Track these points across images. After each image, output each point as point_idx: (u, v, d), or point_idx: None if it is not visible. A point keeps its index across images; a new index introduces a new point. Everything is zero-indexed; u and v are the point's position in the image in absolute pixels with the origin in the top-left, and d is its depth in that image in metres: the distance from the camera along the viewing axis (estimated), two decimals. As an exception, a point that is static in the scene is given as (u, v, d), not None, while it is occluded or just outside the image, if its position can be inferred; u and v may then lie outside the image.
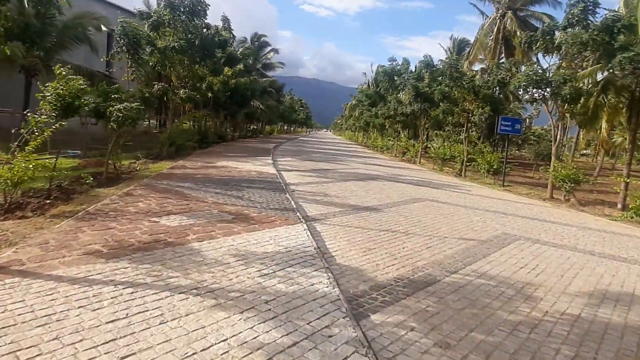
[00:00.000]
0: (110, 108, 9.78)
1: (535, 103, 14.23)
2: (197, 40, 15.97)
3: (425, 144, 32.47)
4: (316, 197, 10.23)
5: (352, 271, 5.04)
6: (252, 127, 50.92)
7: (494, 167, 17.80)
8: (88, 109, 7.60)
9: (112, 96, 10.12)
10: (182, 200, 7.90)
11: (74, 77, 7.56)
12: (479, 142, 21.83)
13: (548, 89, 13.54)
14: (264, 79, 45.95)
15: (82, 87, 7.57)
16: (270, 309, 3.56)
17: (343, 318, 3.50)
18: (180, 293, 3.71)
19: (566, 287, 5.22)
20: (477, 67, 38.26)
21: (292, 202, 8.65)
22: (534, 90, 13.91)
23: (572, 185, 13.36)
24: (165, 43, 15.14)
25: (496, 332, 3.78)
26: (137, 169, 12.90)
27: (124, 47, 13.17)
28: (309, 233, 6.27)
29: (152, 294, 3.65)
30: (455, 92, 20.17)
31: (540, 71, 13.97)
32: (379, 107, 34.77)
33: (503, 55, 33.02)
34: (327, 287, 4.20)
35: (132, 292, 3.63)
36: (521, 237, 7.86)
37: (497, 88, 18.80)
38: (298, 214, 7.62)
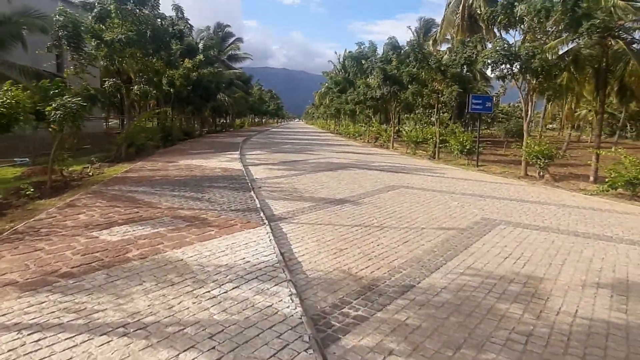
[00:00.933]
0: (48, 107, 8.77)
1: (504, 79, 13.85)
2: (149, 31, 14.84)
3: (397, 127, 32.14)
4: (284, 192, 9.54)
5: (320, 280, 4.41)
6: (220, 121, 49.50)
7: (467, 148, 17.50)
8: (22, 117, 6.62)
9: (52, 93, 9.08)
10: (132, 207, 7.07)
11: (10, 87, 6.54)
12: (450, 122, 21.51)
13: (517, 64, 13.18)
14: (230, 71, 44.53)
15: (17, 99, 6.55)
16: (214, 347, 2.88)
17: (305, 351, 2.86)
18: (102, 335, 2.98)
19: (556, 277, 4.75)
20: (444, 47, 38.06)
21: (257, 201, 7.93)
22: (503, 66, 13.52)
23: (546, 161, 13.13)
24: (113, 35, 13.98)
25: (488, 345, 3.23)
26: (90, 174, 11.89)
27: (63, 40, 11.96)
28: (271, 237, 5.59)
29: (65, 339, 2.90)
30: (423, 73, 19.70)
31: (506, 46, 13.60)
32: (348, 93, 34.13)
33: (467, 33, 32.80)
34: (289, 306, 3.54)
35: (37, 340, 2.88)
36: (501, 221, 7.41)
37: (465, 66, 18.40)
38: (262, 214, 6.92)
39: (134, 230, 5.67)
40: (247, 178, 10.93)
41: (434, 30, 43.24)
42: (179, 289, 3.85)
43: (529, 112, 14.25)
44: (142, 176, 10.73)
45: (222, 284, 3.99)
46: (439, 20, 40.15)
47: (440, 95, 19.77)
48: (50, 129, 9.54)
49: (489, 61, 13.67)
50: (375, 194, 9.74)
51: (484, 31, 30.15)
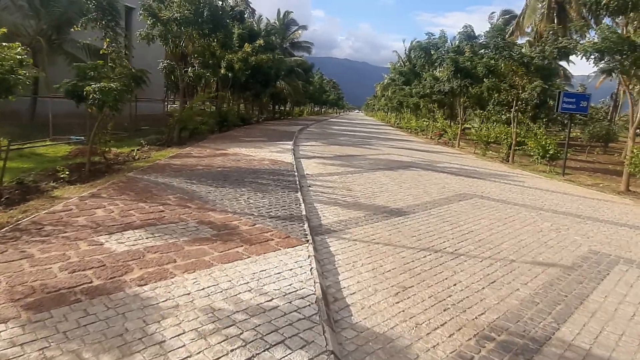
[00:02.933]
0: (88, 88, 8.05)
1: (611, 73, 11.49)
2: (206, 11, 14.03)
3: (465, 125, 29.64)
4: (336, 194, 8.22)
5: (375, 344, 3.05)
6: (279, 108, 49.07)
7: (550, 153, 15.15)
8: (22, 87, 5.79)
9: (90, 74, 8.37)
10: (158, 204, 6.09)
11: (8, 44, 5.76)
12: (530, 122, 18.99)
13: (630, 56, 10.80)
14: (291, 58, 43.74)
15: (20, 57, 5.76)
16: None
17: None
18: None
19: None
20: (522, 40, 34.55)
21: (303, 206, 6.67)
22: (610, 57, 11.18)
23: (659, 175, 10.73)
24: (169, 14, 13.30)
25: None
26: (136, 157, 11.31)
27: (94, 14, 11.31)
28: (313, 264, 4.29)
29: None
30: (503, 64, 17.39)
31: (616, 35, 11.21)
32: (413, 85, 31.99)
33: (553, 23, 29.33)
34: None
35: None
36: (619, 258, 5.60)
37: (557, 58, 15.87)
38: (306, 225, 5.65)
39: (147, 239, 4.61)
40: (296, 174, 9.73)
41: (512, 23, 39.52)
42: (165, 354, 2.65)
43: (639, 114, 11.78)
44: (185, 164, 9.87)
45: (233, 348, 2.75)
46: (517, 12, 36.46)
47: (520, 91, 17.38)
48: (89, 111, 8.90)
49: (593, 51, 11.36)
50: (444, 204, 8.14)
51: (573, 20, 26.80)
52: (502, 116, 27.68)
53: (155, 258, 4.08)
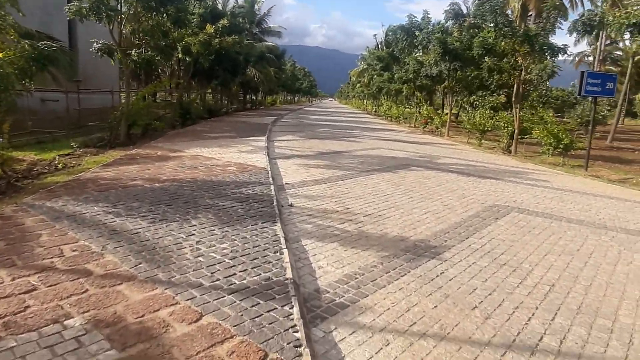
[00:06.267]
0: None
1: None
2: (151, -22, 11.18)
3: (454, 112, 27.67)
4: (330, 217, 5.79)
5: None
6: (250, 98, 45.92)
7: (564, 143, 13.16)
8: None
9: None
10: (34, 270, 3.50)
11: None
12: (539, 107, 16.96)
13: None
14: (261, 44, 40.59)
15: None
16: None
17: None
18: None
19: None
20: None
21: (286, 255, 4.19)
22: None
23: None
24: (102, -20, 10.42)
25: None
26: (58, 167, 8.54)
27: None
28: None
29: None
30: (504, 43, 15.23)
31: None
32: (394, 69, 29.66)
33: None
34: None
35: None
36: None
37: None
38: (295, 310, 3.18)
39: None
40: (272, 186, 7.23)
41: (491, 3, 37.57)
42: None
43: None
44: (119, 177, 7.20)
45: None
46: None
47: (523, 72, 15.28)
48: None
49: (628, 26, 9.24)
50: (480, 227, 5.84)
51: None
52: (486, 101, 25.84)
53: None
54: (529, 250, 5.06)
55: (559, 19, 15.93)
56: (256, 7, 44.71)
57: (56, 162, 8.82)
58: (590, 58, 49.89)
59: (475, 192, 8.23)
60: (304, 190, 7.44)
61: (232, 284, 3.47)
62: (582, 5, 27.27)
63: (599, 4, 28.66)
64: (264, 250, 4.26)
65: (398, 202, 6.99)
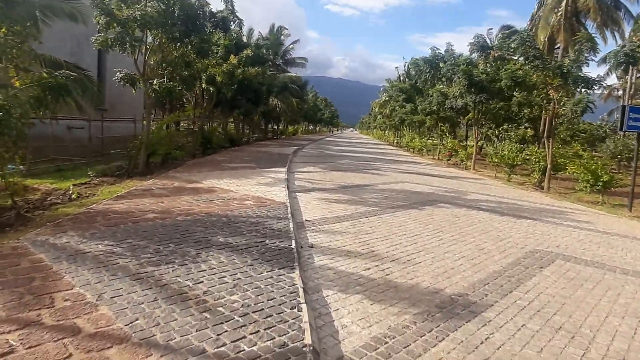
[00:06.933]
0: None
1: None
2: (177, 9, 11.23)
3: (481, 145, 26.96)
4: (354, 262, 5.21)
5: None
6: (272, 127, 46.21)
7: (603, 180, 12.31)
8: None
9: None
10: (16, 324, 3.07)
11: None
12: (572, 141, 16.20)
13: None
14: (284, 74, 41.13)
15: None
16: None
17: None
18: None
19: None
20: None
21: (304, 312, 3.63)
22: None
23: None
24: (128, 12, 10.49)
25: None
26: (72, 197, 8.28)
27: None
28: None
29: None
30: (535, 75, 14.71)
31: None
32: (418, 101, 29.34)
33: (569, 34, 26.97)
34: None
35: None
36: None
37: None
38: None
39: None
40: (290, 223, 6.74)
41: (512, 38, 37.14)
42: None
43: None
44: (131, 210, 6.85)
45: None
46: (517, 27, 33.85)
47: (556, 106, 14.63)
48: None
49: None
50: (523, 278, 5.16)
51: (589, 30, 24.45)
52: (513, 134, 25.09)
53: None
54: (585, 310, 4.37)
55: (590, 52, 15.35)
56: (281, 38, 45.74)
57: (70, 191, 8.58)
58: (620, 92, 48.73)
59: (512, 234, 7.54)
60: (325, 228, 6.91)
61: (240, 351, 2.93)
62: (614, 39, 26.54)
63: (629, 37, 28.02)
64: (280, 305, 3.72)
65: (427, 245, 6.38)
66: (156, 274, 4.19)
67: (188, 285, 3.96)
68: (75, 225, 5.74)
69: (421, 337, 3.51)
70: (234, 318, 3.40)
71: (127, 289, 3.78)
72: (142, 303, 3.52)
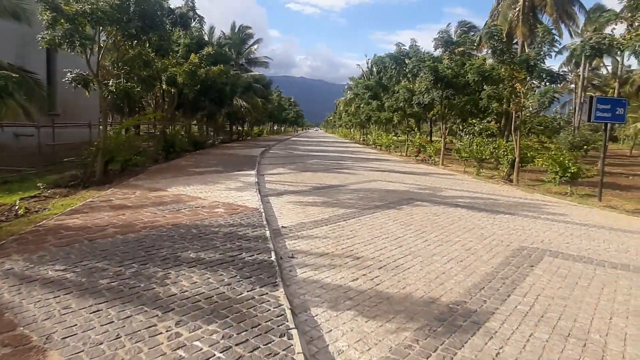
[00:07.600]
0: None
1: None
2: (132, 3, 10.43)
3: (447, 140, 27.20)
4: (340, 273, 4.80)
5: None
6: (237, 129, 45.18)
7: (572, 172, 12.50)
8: None
9: None
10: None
11: None
12: (529, 134, 16.46)
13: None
14: (248, 74, 40.22)
15: None
16: None
17: None
18: None
19: None
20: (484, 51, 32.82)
21: (295, 340, 3.19)
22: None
23: None
24: (79, 6, 9.62)
25: None
26: (19, 212, 7.42)
27: None
28: None
29: None
30: (502, 69, 14.83)
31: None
32: (384, 98, 29.33)
33: (528, 29, 27.71)
34: None
35: None
36: None
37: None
38: None
39: None
40: (267, 231, 6.25)
41: (472, 34, 37.94)
42: None
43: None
44: (87, 226, 6.15)
45: None
46: (475, 23, 34.67)
47: (522, 99, 14.80)
48: None
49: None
50: (517, 279, 4.91)
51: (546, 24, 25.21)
52: (477, 128, 25.49)
53: None
54: (587, 311, 4.14)
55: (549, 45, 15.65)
56: (244, 37, 44.78)
57: (17, 206, 7.71)
58: (572, 85, 50.83)
59: (494, 230, 7.36)
60: (304, 234, 6.47)
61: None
62: (570, 33, 27.50)
63: (582, 31, 29.16)
64: (267, 332, 3.24)
65: (413, 248, 6.06)
66: (118, 302, 3.61)
67: (157, 316, 3.41)
68: (20, 247, 5.02)
69: (427, 358, 3.13)
70: (214, 355, 2.89)
71: (82, 325, 3.20)
72: (102, 343, 2.96)
